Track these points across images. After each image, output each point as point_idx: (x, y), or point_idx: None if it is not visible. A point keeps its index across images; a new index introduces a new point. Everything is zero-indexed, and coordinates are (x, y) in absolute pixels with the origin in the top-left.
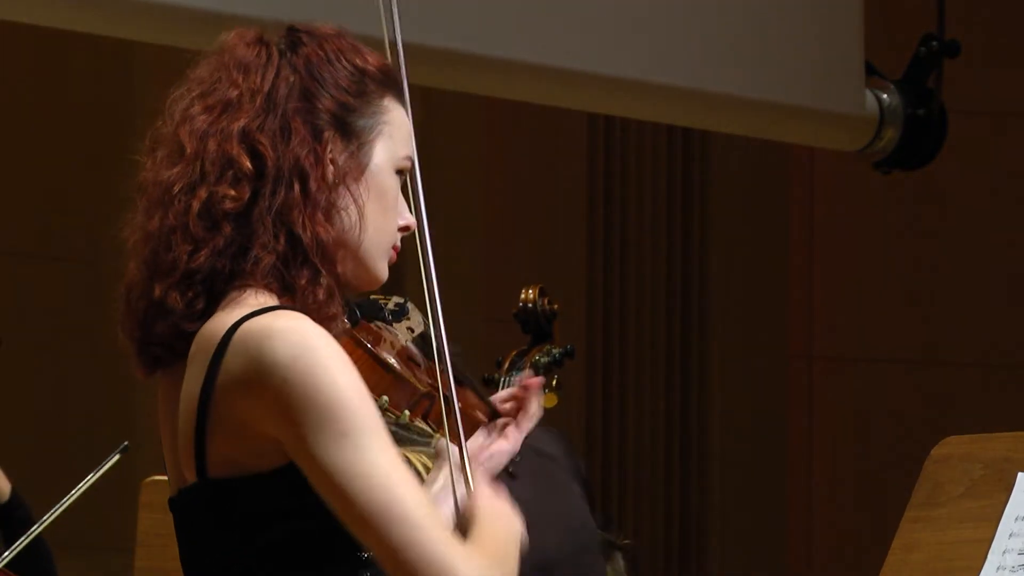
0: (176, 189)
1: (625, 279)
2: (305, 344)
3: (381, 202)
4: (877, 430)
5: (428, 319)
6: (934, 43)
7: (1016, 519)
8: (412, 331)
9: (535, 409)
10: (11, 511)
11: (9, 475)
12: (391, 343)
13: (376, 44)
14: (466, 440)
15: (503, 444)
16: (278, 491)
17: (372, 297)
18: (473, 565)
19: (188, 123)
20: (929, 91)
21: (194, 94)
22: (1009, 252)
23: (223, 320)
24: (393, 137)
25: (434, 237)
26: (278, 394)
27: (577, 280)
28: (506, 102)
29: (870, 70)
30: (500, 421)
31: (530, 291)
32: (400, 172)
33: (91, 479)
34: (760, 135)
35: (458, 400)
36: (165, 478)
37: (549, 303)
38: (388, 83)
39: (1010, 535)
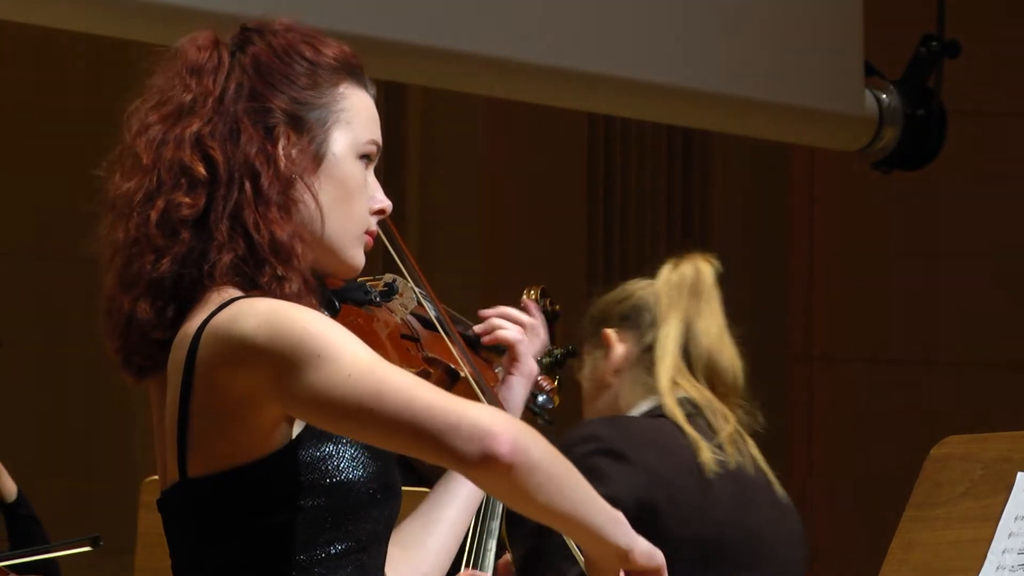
0: (136, 200)
1: (625, 279)
2: (267, 309)
3: (343, 190)
4: (877, 430)
5: (418, 292)
6: (934, 43)
7: (1015, 519)
8: (406, 307)
9: (516, 331)
10: (16, 509)
11: (9, 474)
12: (385, 322)
13: (376, 43)
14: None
15: (514, 379)
16: (260, 483)
17: (360, 280)
18: (482, 410)
19: (144, 133)
20: (929, 91)
21: (150, 104)
22: (1009, 252)
23: (192, 324)
24: (351, 123)
25: (434, 238)
26: (257, 361)
27: (577, 280)
28: (506, 102)
29: (870, 70)
30: (505, 358)
31: (531, 291)
32: (365, 157)
33: (55, 555)
34: (760, 135)
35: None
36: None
37: (550, 304)
38: (344, 70)
39: (1009, 535)
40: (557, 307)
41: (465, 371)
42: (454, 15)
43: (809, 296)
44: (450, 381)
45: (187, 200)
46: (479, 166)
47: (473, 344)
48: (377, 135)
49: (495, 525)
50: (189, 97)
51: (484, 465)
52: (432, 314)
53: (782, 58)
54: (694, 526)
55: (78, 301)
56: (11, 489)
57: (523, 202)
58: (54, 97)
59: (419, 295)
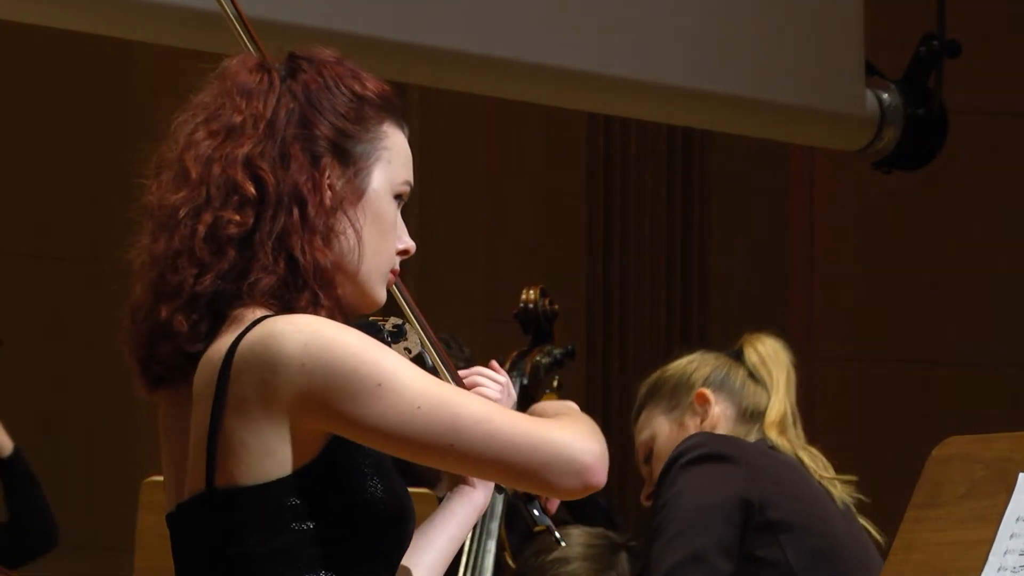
0: (182, 213)
1: (625, 279)
2: (310, 329)
3: (378, 226)
4: (877, 430)
5: (424, 340)
6: (934, 43)
7: (1017, 519)
8: (409, 351)
9: (508, 384)
10: (13, 465)
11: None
12: None
13: (376, 43)
14: None
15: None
16: (288, 499)
17: (371, 319)
18: (557, 426)
19: (193, 148)
20: (929, 91)
21: (199, 119)
22: (1009, 252)
23: (224, 341)
24: (392, 163)
25: (434, 238)
26: (303, 383)
27: (577, 280)
28: (506, 102)
29: (870, 70)
30: None
31: (531, 291)
32: (398, 197)
33: None
34: (760, 135)
35: None
36: (162, 478)
37: (550, 303)
38: (387, 108)
39: (1011, 535)
40: (556, 307)
41: None
42: (454, 15)
43: (809, 296)
44: None
45: (236, 217)
46: (479, 166)
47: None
48: (411, 176)
49: (494, 526)
50: (239, 119)
51: (583, 492)
52: (430, 363)
53: (782, 58)
54: (804, 519)
55: (78, 301)
56: (7, 445)
57: (523, 202)
58: (54, 97)
59: (422, 340)
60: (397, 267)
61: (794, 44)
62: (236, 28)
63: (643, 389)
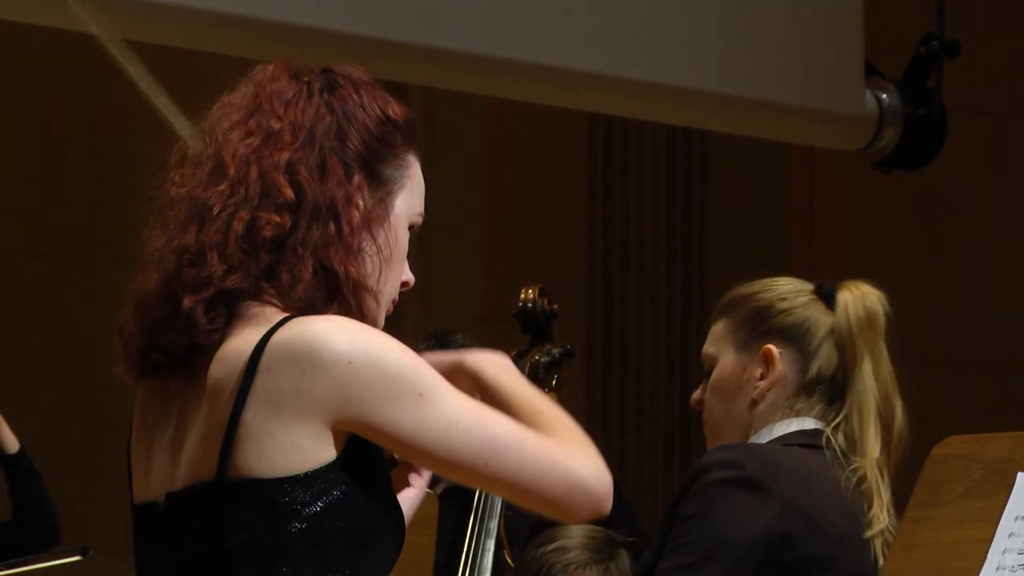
0: (217, 208)
1: (625, 279)
2: (354, 329)
3: (396, 252)
4: None
5: None
6: (934, 43)
7: (1016, 519)
8: None
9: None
10: (18, 461)
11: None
12: None
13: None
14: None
15: (410, 491)
16: (301, 494)
17: None
18: (574, 452)
19: (230, 146)
20: (929, 91)
21: (234, 119)
22: (1009, 252)
23: (248, 335)
24: (412, 192)
25: (434, 238)
26: (345, 381)
27: (577, 280)
28: (506, 102)
29: (870, 70)
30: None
31: (530, 291)
32: (411, 228)
33: (45, 565)
34: (760, 135)
35: None
36: None
37: (549, 303)
38: (411, 137)
39: (1010, 535)
40: (555, 306)
41: None
42: (454, 15)
43: None
44: None
45: (276, 219)
46: (479, 166)
47: None
48: (423, 207)
49: (494, 524)
50: (278, 125)
51: (592, 519)
52: None
53: (782, 58)
54: (826, 555)
55: (78, 301)
56: (12, 442)
57: (523, 202)
58: (54, 97)
59: None
60: (397, 298)
61: (794, 44)
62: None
63: (733, 295)
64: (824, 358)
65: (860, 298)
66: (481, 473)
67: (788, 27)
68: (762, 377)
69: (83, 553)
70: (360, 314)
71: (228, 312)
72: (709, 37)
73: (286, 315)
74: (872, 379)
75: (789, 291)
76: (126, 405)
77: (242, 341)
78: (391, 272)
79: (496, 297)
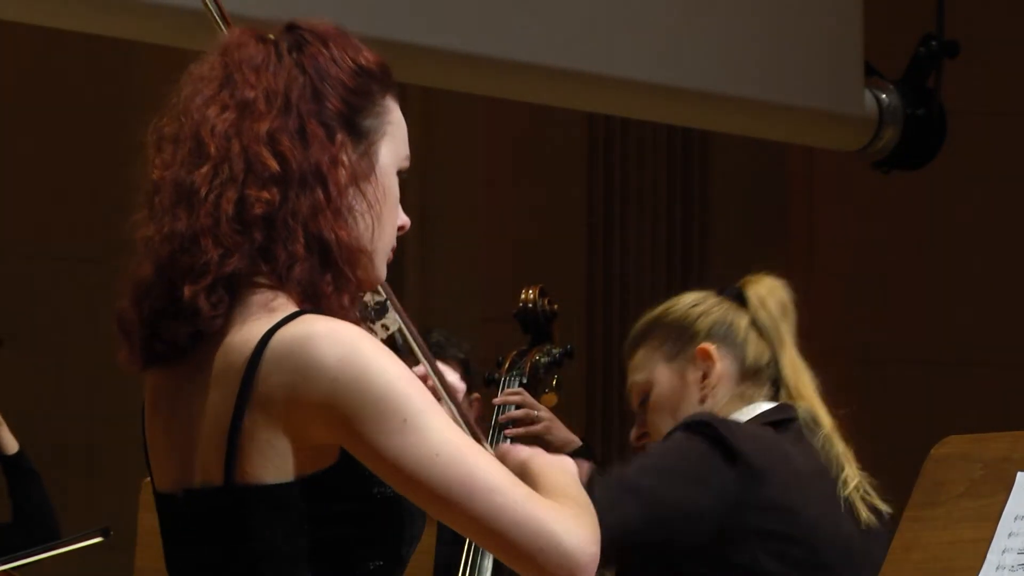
0: (204, 191)
1: (625, 279)
2: (350, 343)
3: (387, 203)
4: (878, 430)
5: (401, 316)
6: (934, 43)
7: (1016, 518)
8: (387, 328)
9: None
10: (18, 463)
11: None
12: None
13: (376, 43)
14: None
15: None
16: (311, 497)
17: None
18: (563, 515)
19: (208, 123)
20: (929, 91)
21: (208, 93)
22: (1009, 251)
23: (252, 330)
24: (396, 137)
25: (434, 238)
26: (330, 396)
27: (577, 280)
28: (506, 102)
29: (870, 70)
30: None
31: (530, 291)
32: (400, 172)
33: (66, 549)
34: (760, 135)
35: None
36: None
37: (549, 303)
38: (387, 82)
39: (1009, 535)
40: (555, 306)
41: (442, 395)
42: (454, 15)
43: (808, 296)
44: None
45: (265, 195)
46: (479, 166)
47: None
48: (408, 150)
49: None
50: (252, 94)
51: None
52: (401, 343)
53: (782, 58)
54: (789, 527)
55: (79, 300)
56: (12, 443)
57: (523, 202)
58: (55, 97)
59: (400, 317)
60: (395, 243)
61: (794, 44)
62: (219, 27)
63: (642, 324)
64: (753, 346)
65: (771, 289)
66: (453, 510)
67: (788, 27)
68: (704, 377)
69: (104, 535)
70: (355, 281)
71: (230, 296)
72: (709, 37)
73: (288, 312)
74: (800, 359)
75: (697, 299)
76: (126, 405)
77: (246, 335)
78: (385, 223)
79: (496, 297)
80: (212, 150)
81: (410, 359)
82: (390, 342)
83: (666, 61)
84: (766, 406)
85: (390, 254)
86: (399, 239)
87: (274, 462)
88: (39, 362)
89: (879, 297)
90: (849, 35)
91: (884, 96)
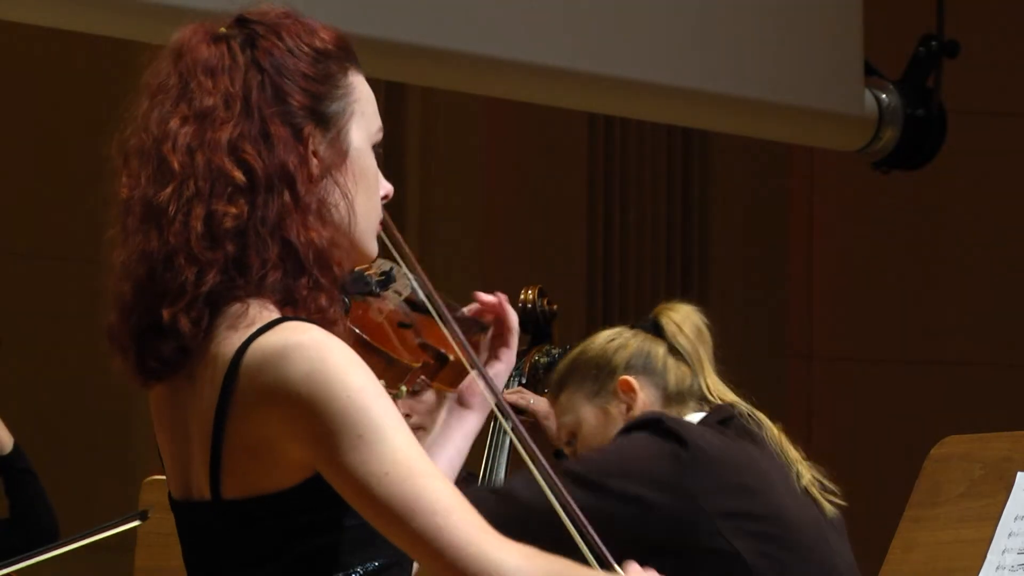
0: (172, 209)
1: (625, 279)
2: (318, 357)
3: (364, 184)
4: (877, 430)
5: (411, 278)
6: (934, 43)
7: (1015, 518)
8: (400, 294)
9: (513, 320)
10: (13, 462)
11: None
12: (382, 311)
13: (376, 43)
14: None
15: (498, 366)
16: (294, 510)
17: (358, 270)
18: (515, 552)
19: (169, 138)
20: (929, 91)
21: (166, 106)
22: (1009, 252)
23: (231, 340)
24: (364, 113)
25: (434, 237)
26: (295, 410)
27: (577, 280)
28: (506, 102)
29: (870, 70)
30: (484, 341)
31: (530, 291)
32: (375, 146)
33: (105, 535)
34: (760, 135)
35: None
36: (164, 478)
37: (548, 303)
38: (347, 57)
39: (1009, 534)
40: (555, 307)
41: (458, 352)
42: (454, 15)
43: (809, 296)
44: (438, 365)
45: (232, 209)
46: (479, 166)
47: (463, 324)
48: (380, 121)
49: None
50: (211, 101)
51: None
52: (424, 296)
53: (782, 58)
54: (747, 506)
55: (78, 301)
56: (7, 442)
57: (523, 202)
58: (55, 97)
59: (412, 280)
60: (382, 214)
61: (794, 44)
62: None
63: (562, 367)
64: (673, 372)
65: (686, 315)
66: (395, 528)
67: (788, 27)
68: (629, 409)
69: (143, 518)
70: (331, 280)
71: (211, 310)
72: (709, 37)
73: (266, 321)
74: (719, 378)
75: (611, 335)
76: (126, 405)
77: (224, 349)
78: (367, 204)
79: None
80: (176, 166)
81: (430, 317)
82: (409, 303)
83: (666, 61)
84: (700, 415)
85: (379, 227)
86: (402, 231)
87: (257, 475)
88: (38, 362)
89: (879, 297)
90: (849, 35)
91: (884, 96)
